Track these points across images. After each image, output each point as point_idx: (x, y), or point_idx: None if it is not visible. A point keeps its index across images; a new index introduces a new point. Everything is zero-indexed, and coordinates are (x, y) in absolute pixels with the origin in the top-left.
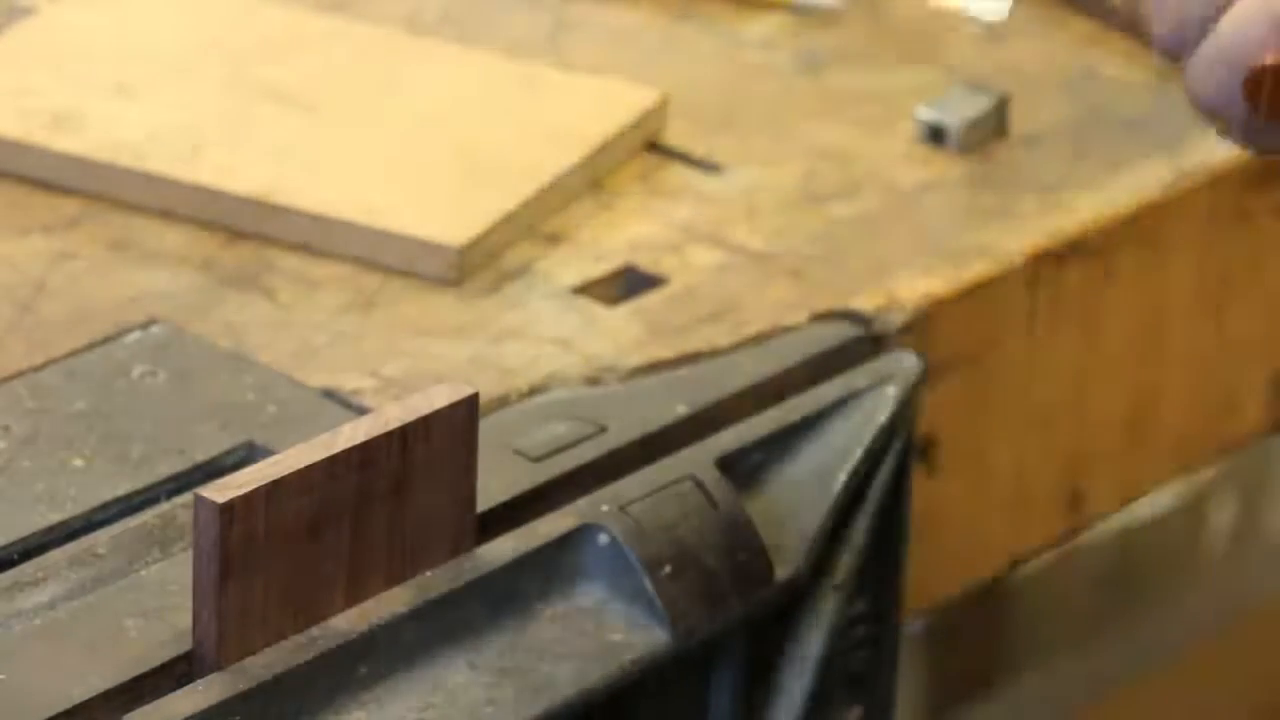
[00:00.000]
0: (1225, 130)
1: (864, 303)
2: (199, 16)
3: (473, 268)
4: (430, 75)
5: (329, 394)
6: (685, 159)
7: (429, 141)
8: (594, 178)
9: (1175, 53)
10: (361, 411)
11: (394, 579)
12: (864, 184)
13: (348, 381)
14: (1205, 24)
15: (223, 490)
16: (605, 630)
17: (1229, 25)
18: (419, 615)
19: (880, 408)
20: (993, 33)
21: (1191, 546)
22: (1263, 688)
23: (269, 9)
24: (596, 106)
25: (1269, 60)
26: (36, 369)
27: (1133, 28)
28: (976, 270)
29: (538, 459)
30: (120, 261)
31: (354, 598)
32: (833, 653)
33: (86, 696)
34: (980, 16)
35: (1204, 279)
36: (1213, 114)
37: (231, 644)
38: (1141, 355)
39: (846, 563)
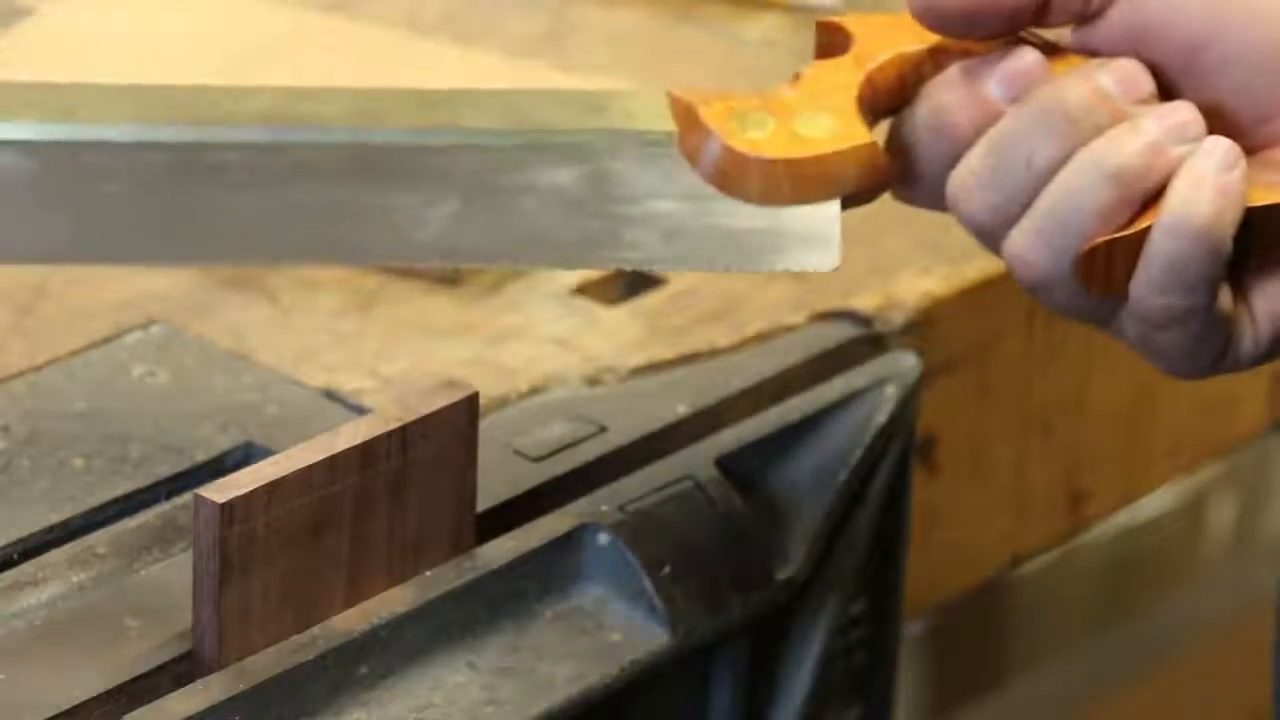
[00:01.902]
0: (1049, 302)
1: (864, 303)
2: (199, 16)
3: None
4: (430, 76)
5: (329, 394)
6: None
7: None
8: None
9: (992, 235)
10: (361, 411)
11: (394, 579)
12: None
13: (348, 381)
14: (1023, 203)
15: (223, 490)
16: (605, 630)
17: (1059, 197)
18: (419, 615)
19: (880, 408)
20: None
21: (1191, 546)
22: (1263, 687)
23: (269, 9)
24: None
25: (1101, 238)
26: (36, 369)
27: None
28: (976, 270)
29: (538, 459)
30: None
31: (354, 598)
32: (833, 653)
33: (86, 696)
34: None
35: None
36: (1039, 289)
37: (231, 644)
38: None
39: (846, 563)
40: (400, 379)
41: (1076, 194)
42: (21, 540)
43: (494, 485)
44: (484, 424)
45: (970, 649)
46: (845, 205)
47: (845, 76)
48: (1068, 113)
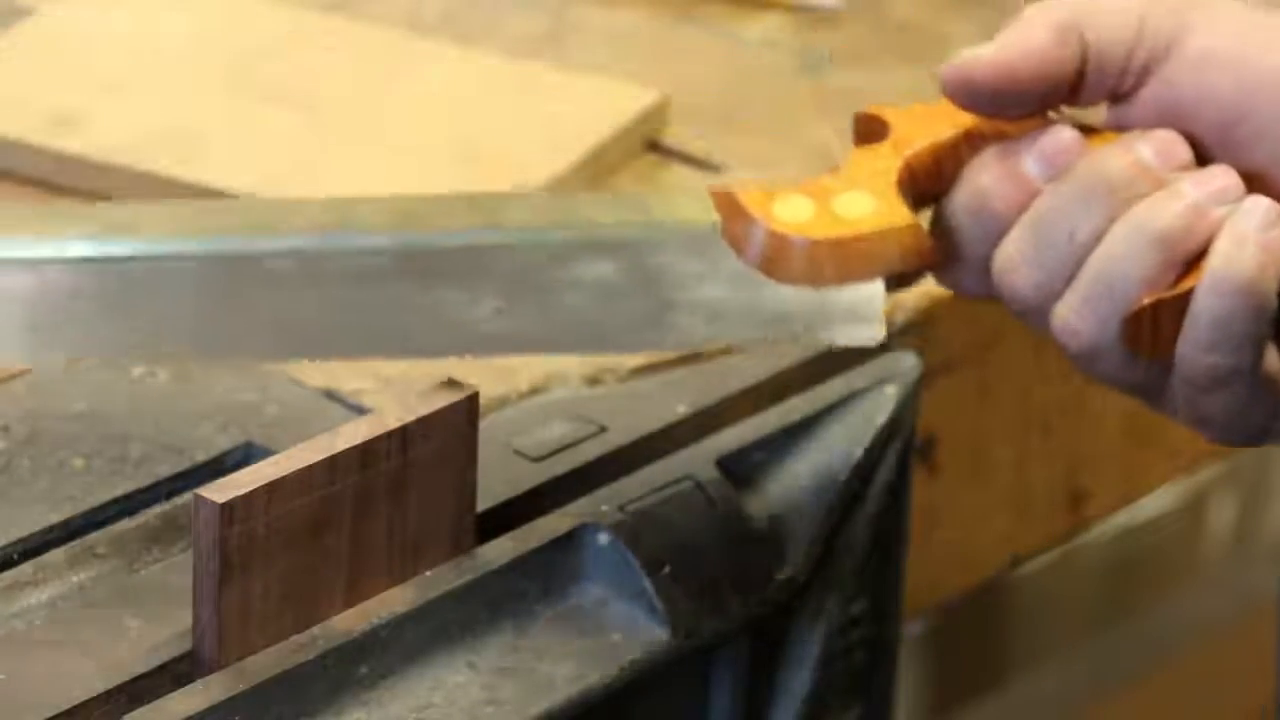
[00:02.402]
0: (1098, 371)
1: None
2: (199, 16)
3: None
4: (430, 75)
5: (329, 394)
6: (685, 159)
7: (429, 141)
8: (594, 178)
9: (1039, 312)
10: (361, 411)
11: (394, 579)
12: None
13: (348, 381)
14: (1068, 277)
15: (223, 490)
16: (605, 630)
17: (1103, 264)
18: (419, 615)
19: (880, 408)
20: (993, 33)
21: (1191, 546)
22: (1263, 687)
23: (269, 9)
24: (596, 106)
25: (1147, 300)
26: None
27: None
28: None
29: (538, 459)
30: None
31: (354, 598)
32: (833, 653)
33: (86, 696)
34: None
35: None
36: (1088, 358)
37: (231, 644)
38: None
39: (846, 563)
40: (400, 379)
41: (1120, 261)
42: (21, 540)
43: (494, 485)
44: (484, 424)
45: (970, 649)
46: (889, 288)
47: (884, 163)
48: (1109, 184)
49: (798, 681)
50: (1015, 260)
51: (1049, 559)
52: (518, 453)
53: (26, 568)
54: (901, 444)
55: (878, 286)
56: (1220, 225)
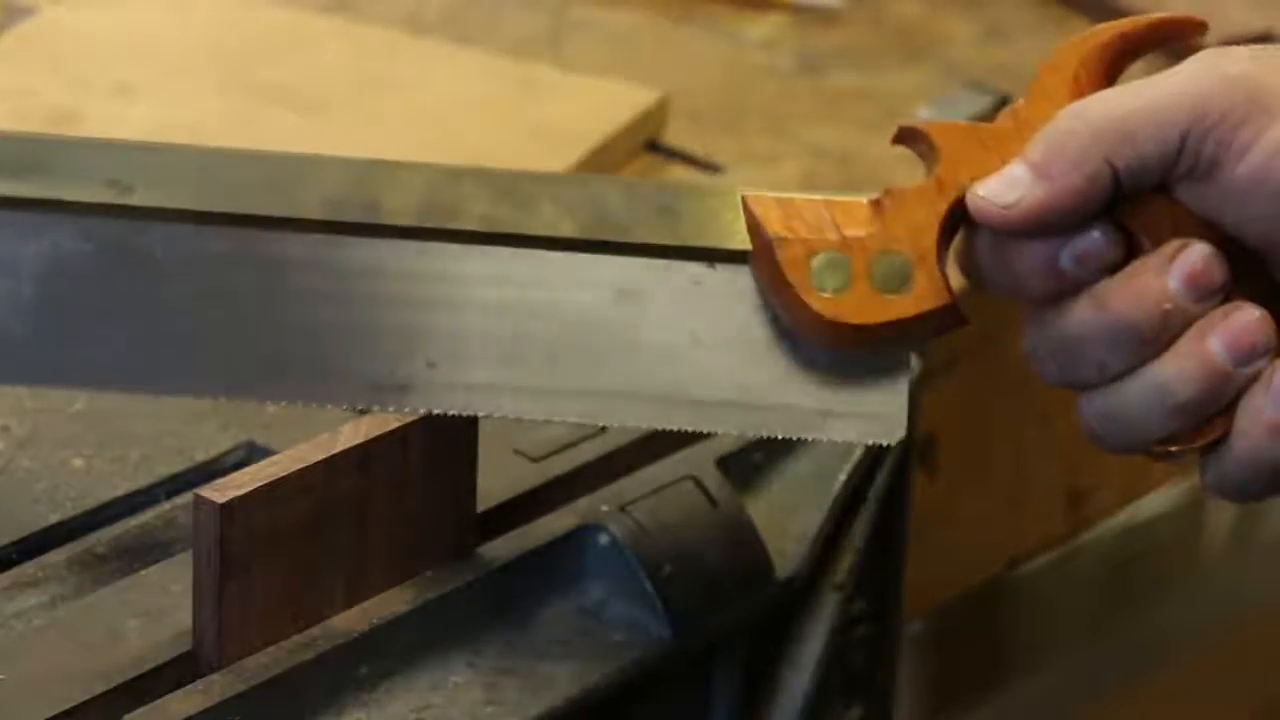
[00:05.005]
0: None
1: None
2: (199, 16)
3: None
4: (430, 75)
5: None
6: (685, 159)
7: (428, 141)
8: None
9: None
10: (362, 411)
11: (394, 579)
12: (864, 184)
13: None
14: (1094, 387)
15: (223, 490)
16: (605, 630)
17: (1127, 411)
18: (419, 615)
19: None
20: (993, 33)
21: (1191, 546)
22: (1263, 688)
23: (269, 9)
24: (596, 106)
25: (1159, 450)
26: None
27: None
28: None
29: (538, 459)
30: None
31: (354, 598)
32: (833, 653)
33: (86, 696)
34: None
35: None
36: (1116, 453)
37: (231, 644)
38: None
39: (846, 563)
40: None
41: (1142, 420)
42: (21, 540)
43: (494, 485)
44: (484, 424)
45: (970, 649)
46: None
47: (926, 210)
48: (1139, 335)
49: (798, 681)
50: (1042, 363)
51: (1049, 559)
52: (518, 453)
53: (27, 568)
54: (901, 444)
55: (903, 390)
56: (1247, 381)
